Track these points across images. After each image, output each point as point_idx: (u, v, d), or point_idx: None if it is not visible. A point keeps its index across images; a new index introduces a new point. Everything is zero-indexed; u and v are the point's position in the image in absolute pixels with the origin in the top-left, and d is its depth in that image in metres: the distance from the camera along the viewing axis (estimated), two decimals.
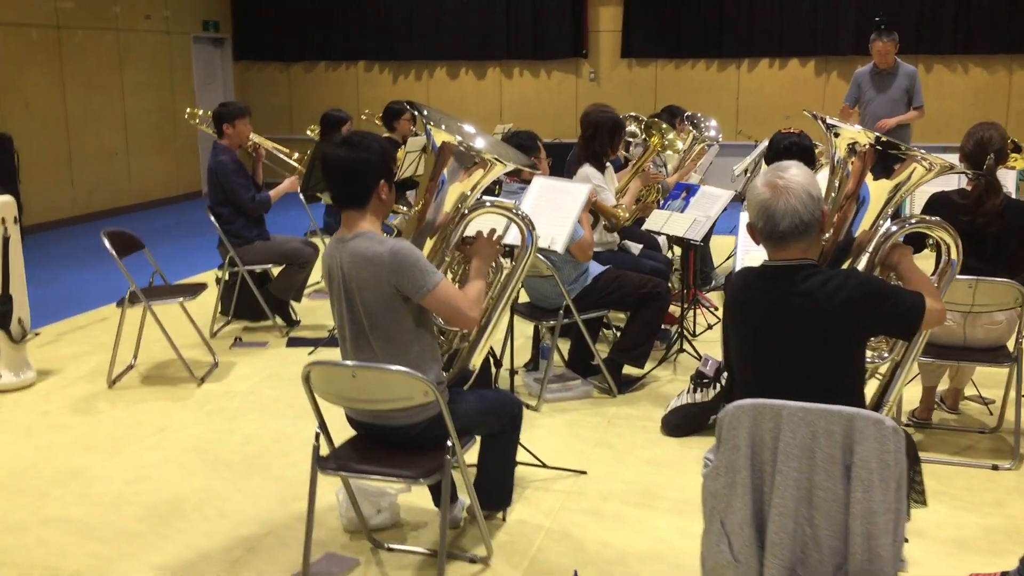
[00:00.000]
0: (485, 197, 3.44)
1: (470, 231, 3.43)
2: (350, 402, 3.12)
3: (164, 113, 12.22)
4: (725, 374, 4.44)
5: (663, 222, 5.25)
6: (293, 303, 6.48)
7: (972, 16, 11.10)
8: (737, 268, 3.82)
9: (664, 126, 5.86)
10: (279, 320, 6.36)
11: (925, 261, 3.11)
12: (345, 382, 3.00)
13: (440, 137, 3.27)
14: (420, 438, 3.13)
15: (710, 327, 6.18)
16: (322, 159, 3.09)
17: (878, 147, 2.81)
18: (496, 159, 3.29)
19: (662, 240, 6.27)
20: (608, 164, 5.77)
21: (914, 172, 2.80)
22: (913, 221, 2.90)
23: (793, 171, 2.61)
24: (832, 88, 11.79)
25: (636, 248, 5.82)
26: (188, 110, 7.32)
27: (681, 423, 4.50)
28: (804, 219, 2.57)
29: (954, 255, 2.92)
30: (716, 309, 6.71)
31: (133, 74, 11.65)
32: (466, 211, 3.34)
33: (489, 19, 12.50)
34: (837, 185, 2.88)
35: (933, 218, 2.92)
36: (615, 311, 5.27)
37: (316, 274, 6.50)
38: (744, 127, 11.86)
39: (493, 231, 3.37)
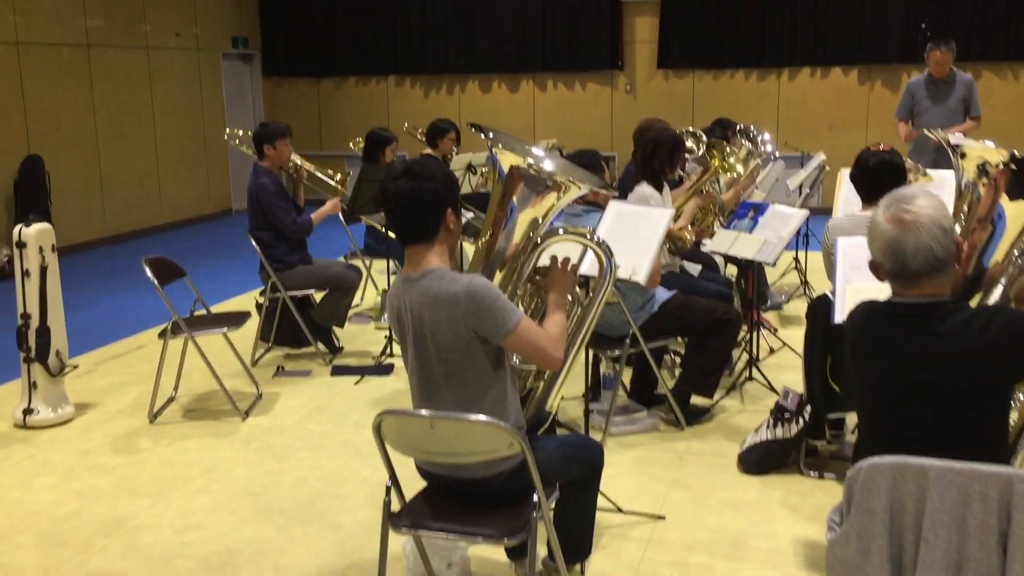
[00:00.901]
0: (558, 224, 3.18)
1: (542, 260, 3.18)
2: (427, 455, 2.85)
3: (194, 132, 12.06)
4: (808, 408, 4.15)
5: (730, 243, 4.97)
6: (336, 329, 6.24)
7: (1021, 23, 10.76)
8: (838, 301, 3.53)
9: (727, 148, 5.58)
10: (322, 347, 6.12)
11: None
12: (422, 433, 2.74)
13: (508, 160, 3.01)
14: (501, 491, 2.87)
15: (772, 351, 5.89)
16: (382, 193, 2.83)
17: (1013, 166, 2.53)
18: (570, 181, 3.03)
19: (718, 259, 5.99)
20: (665, 183, 5.51)
21: None
22: None
23: (920, 201, 2.33)
24: (876, 97, 11.47)
25: (695, 269, 5.54)
26: (228, 130, 7.11)
27: (761, 461, 4.21)
28: (938, 256, 2.31)
29: None
30: (776, 331, 6.41)
31: (163, 93, 11.49)
32: (539, 239, 3.08)
33: (523, 31, 12.26)
34: (966, 210, 2.60)
35: None
36: (682, 338, 4.98)
37: (359, 296, 6.27)
38: (787, 138, 11.54)
39: (567, 260, 3.10)
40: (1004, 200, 2.54)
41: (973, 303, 2.69)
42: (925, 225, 2.29)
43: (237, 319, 5.23)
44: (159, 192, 11.54)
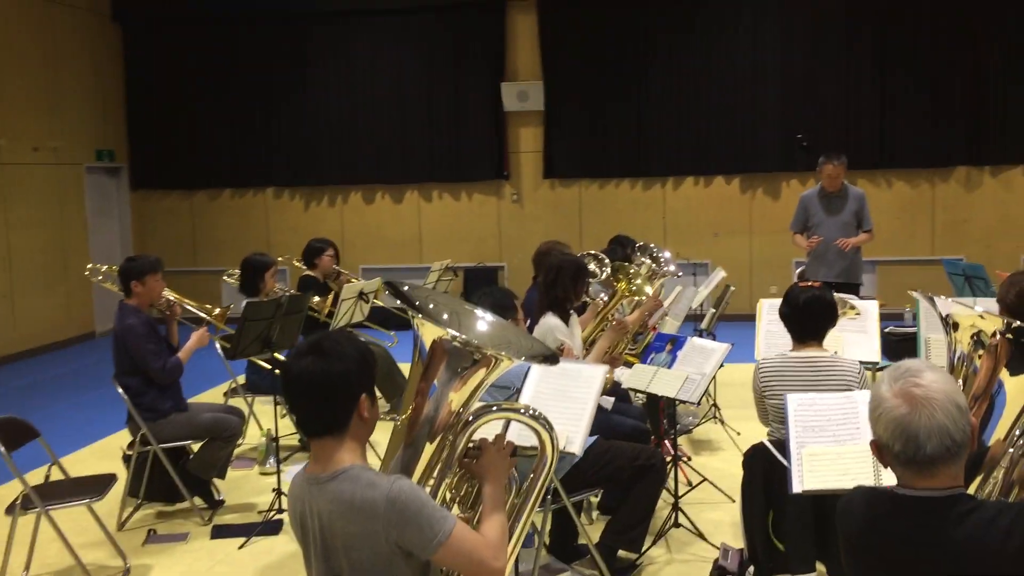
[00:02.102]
0: (491, 402, 2.76)
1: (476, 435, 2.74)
2: None
3: (54, 250, 11.22)
4: (751, 569, 3.80)
5: (648, 380, 4.66)
6: (215, 480, 5.60)
7: (893, 131, 11.16)
8: (795, 468, 3.21)
9: (632, 270, 5.33)
10: (199, 502, 5.47)
11: None
12: None
13: (429, 333, 2.59)
14: None
15: (691, 485, 5.55)
16: (284, 374, 2.39)
17: (1010, 336, 2.27)
18: (502, 355, 2.59)
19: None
20: (572, 313, 5.21)
21: None
22: None
23: (929, 375, 2.01)
24: (758, 205, 11.64)
25: (608, 402, 5.20)
26: (90, 266, 6.47)
27: None
28: (956, 439, 1.97)
29: None
30: (689, 459, 6.10)
31: (19, 209, 10.67)
32: (470, 418, 2.65)
33: (407, 141, 12.02)
34: (962, 383, 2.32)
35: None
36: (606, 489, 4.59)
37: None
38: (673, 245, 11.54)
39: (500, 439, 2.69)
40: (1004, 374, 2.28)
41: (972, 487, 2.38)
42: (940, 402, 1.97)
43: (100, 486, 4.57)
44: (13, 315, 10.60)
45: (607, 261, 6.10)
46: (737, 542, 4.61)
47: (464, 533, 2.33)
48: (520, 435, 3.06)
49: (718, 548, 4.48)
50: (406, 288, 2.70)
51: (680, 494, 5.11)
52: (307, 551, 2.43)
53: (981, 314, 2.33)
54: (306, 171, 12.27)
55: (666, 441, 5.73)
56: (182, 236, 12.68)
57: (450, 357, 2.51)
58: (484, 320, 2.72)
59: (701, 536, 4.75)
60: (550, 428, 2.69)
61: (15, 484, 4.36)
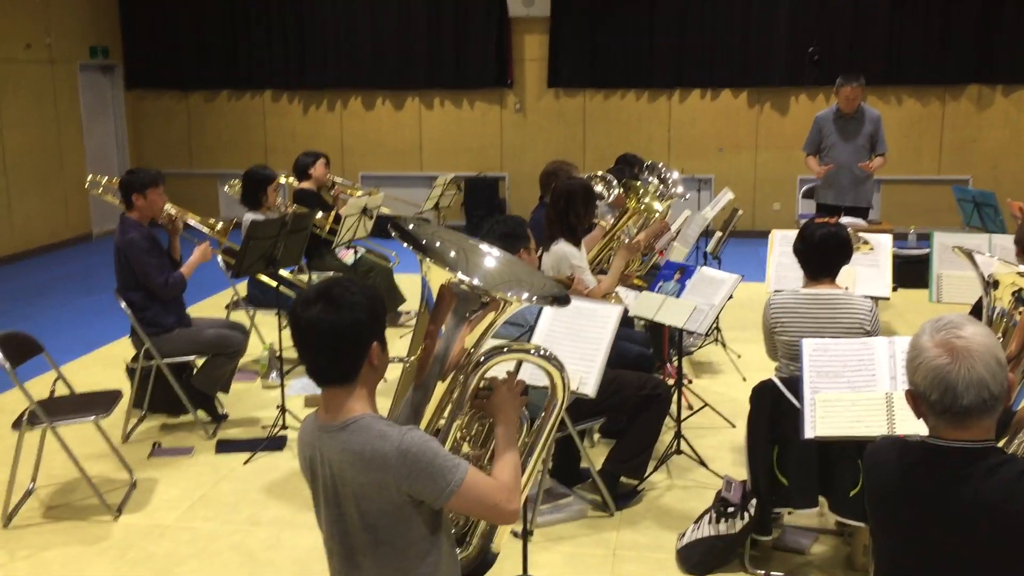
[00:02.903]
0: (501, 340, 2.73)
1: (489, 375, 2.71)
2: None
3: (49, 151, 11.04)
4: (754, 501, 3.84)
5: (656, 308, 4.62)
6: (219, 394, 5.63)
7: (904, 47, 10.92)
8: (807, 413, 3.20)
9: (641, 188, 5.25)
10: (203, 415, 5.50)
11: None
12: None
13: (436, 276, 2.53)
14: None
15: (692, 409, 5.58)
16: (293, 323, 2.32)
17: None
18: (511, 298, 2.54)
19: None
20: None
21: None
22: None
23: (970, 329, 2.00)
24: (765, 119, 11.46)
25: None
26: (89, 177, 6.34)
27: (704, 560, 3.87)
28: (993, 392, 1.97)
29: None
30: (691, 382, 6.14)
31: (13, 108, 10.46)
32: (482, 359, 2.61)
33: (408, 45, 11.72)
34: (1001, 339, 2.29)
35: None
36: (610, 417, 4.61)
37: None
38: (677, 159, 11.42)
39: (512, 378, 2.66)
40: None
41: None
42: (980, 355, 1.97)
43: (107, 402, 4.56)
44: (9, 216, 10.50)
45: (614, 182, 6.02)
46: (737, 468, 4.67)
47: (476, 479, 2.32)
48: (532, 375, 3.04)
49: (718, 475, 4.53)
50: (411, 227, 2.63)
51: (682, 418, 5.14)
52: (316, 496, 2.43)
53: (1023, 271, 2.29)
54: (305, 74, 12.01)
55: (669, 365, 5.75)
56: (178, 138, 12.48)
57: (458, 301, 2.46)
58: (492, 257, 2.65)
59: (702, 463, 4.80)
60: (561, 368, 2.65)
61: (18, 392, 4.35)
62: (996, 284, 2.29)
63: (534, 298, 2.60)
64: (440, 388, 2.60)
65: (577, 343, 3.50)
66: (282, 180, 8.02)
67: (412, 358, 2.62)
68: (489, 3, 11.47)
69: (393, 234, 2.62)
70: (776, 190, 11.47)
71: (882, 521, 2.19)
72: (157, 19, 12.11)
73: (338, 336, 2.27)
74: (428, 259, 2.49)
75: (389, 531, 2.30)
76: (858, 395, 3.07)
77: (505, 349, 2.64)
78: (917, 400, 2.06)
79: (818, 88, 11.04)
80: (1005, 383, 2.00)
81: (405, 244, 2.58)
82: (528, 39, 11.67)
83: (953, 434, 2.03)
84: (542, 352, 2.68)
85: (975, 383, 1.96)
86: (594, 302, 3.78)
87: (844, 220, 7.34)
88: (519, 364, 2.75)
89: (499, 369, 2.66)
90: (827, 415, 3.09)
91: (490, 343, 2.64)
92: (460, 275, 2.45)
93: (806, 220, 3.99)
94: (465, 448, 2.71)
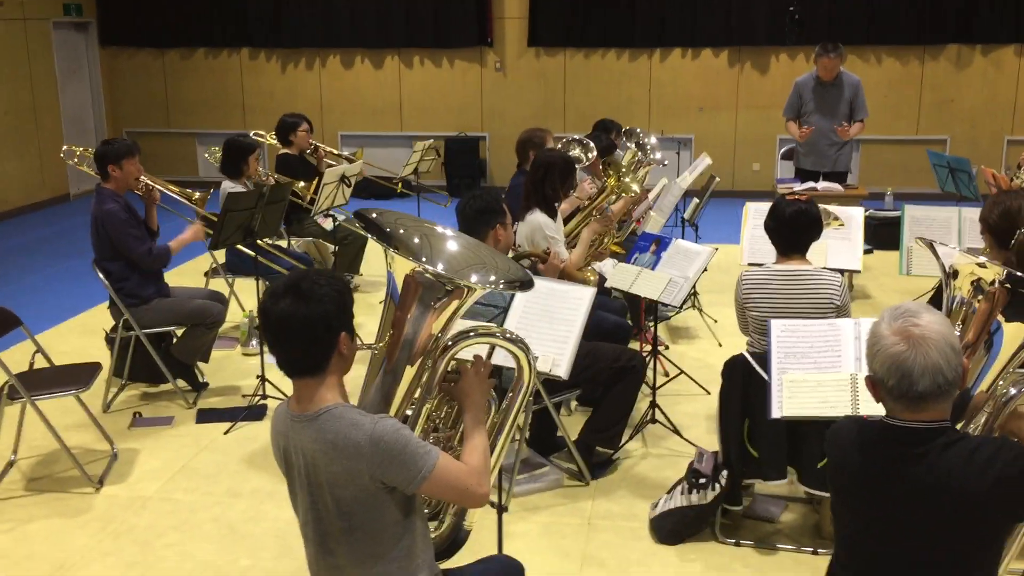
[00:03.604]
0: (468, 324, 2.77)
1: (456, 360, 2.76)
2: None
3: (23, 109, 10.90)
4: (725, 472, 3.93)
5: (631, 280, 4.67)
6: (199, 363, 5.66)
7: (884, 6, 10.89)
8: (774, 393, 3.27)
9: (623, 165, 5.27)
10: (183, 384, 5.54)
11: None
12: None
13: (401, 266, 2.56)
14: None
15: (667, 376, 5.66)
16: (263, 315, 2.37)
17: (1007, 285, 2.29)
18: (475, 285, 2.57)
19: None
20: (556, 205, 5.18)
21: None
22: None
23: (927, 316, 2.10)
24: (746, 79, 11.44)
25: None
26: (64, 147, 6.29)
27: (676, 529, 3.97)
28: (948, 377, 2.07)
29: None
30: (667, 347, 6.22)
31: None
32: (449, 343, 2.65)
33: (387, 3, 11.59)
34: (960, 326, 2.37)
35: None
36: (586, 389, 4.67)
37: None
38: (657, 119, 11.41)
39: (480, 360, 2.70)
40: (1000, 318, 2.32)
41: None
42: (935, 342, 2.07)
43: (87, 375, 4.58)
44: None
45: (592, 146, 6.03)
46: (711, 436, 4.76)
47: (447, 465, 2.38)
48: (505, 356, 3.08)
49: (692, 444, 4.62)
50: (374, 216, 2.66)
51: (658, 386, 5.22)
52: (292, 484, 2.49)
53: (982, 263, 2.35)
54: (283, 32, 11.86)
55: (646, 333, 5.82)
56: (154, 96, 12.34)
57: (423, 289, 2.51)
58: (455, 241, 2.69)
59: (677, 432, 4.88)
60: (527, 350, 2.70)
61: None
62: (956, 274, 2.35)
63: (500, 284, 2.64)
64: (409, 373, 2.65)
65: (550, 324, 3.55)
66: (263, 141, 8.01)
67: (380, 345, 2.67)
68: None
69: (358, 225, 2.65)
70: (756, 150, 11.49)
71: (842, 498, 2.28)
72: None
73: (308, 328, 2.31)
74: (392, 249, 2.52)
75: (363, 517, 2.36)
76: (824, 376, 3.14)
77: (472, 333, 2.68)
78: (876, 386, 2.15)
79: (798, 48, 11.02)
80: (960, 368, 2.09)
81: (369, 235, 2.61)
82: None
83: (910, 416, 2.12)
84: (508, 335, 2.73)
85: (930, 369, 2.05)
86: (567, 284, 3.83)
87: (821, 185, 7.40)
88: (491, 349, 2.80)
89: (469, 352, 2.71)
90: (793, 395, 3.17)
91: (459, 325, 2.69)
92: (424, 264, 2.48)
93: (781, 187, 4.03)
94: (436, 433, 2.77)
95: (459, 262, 2.63)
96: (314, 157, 7.42)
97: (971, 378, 2.41)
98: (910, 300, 2.14)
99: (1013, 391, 2.37)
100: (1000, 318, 2.32)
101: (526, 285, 2.71)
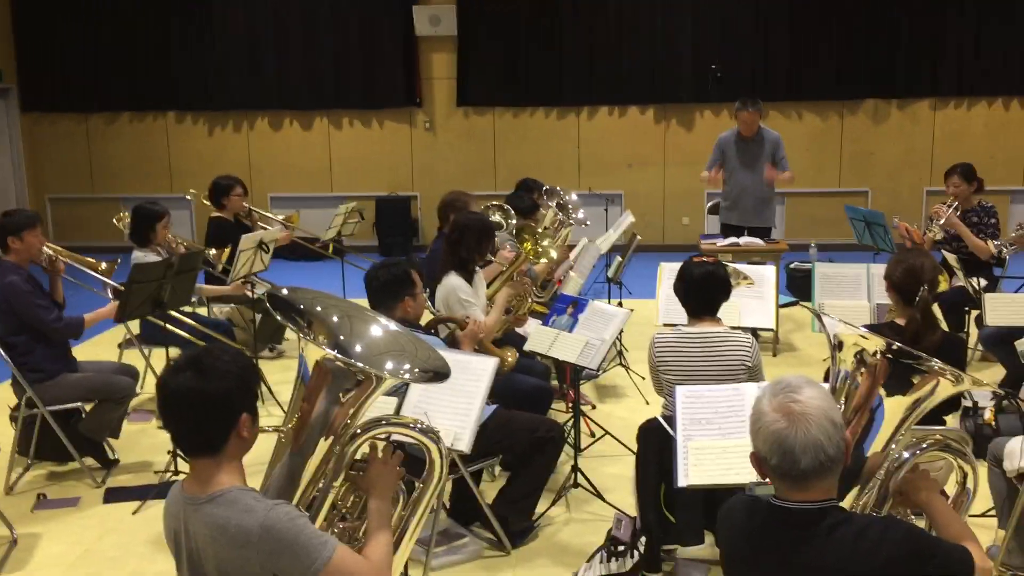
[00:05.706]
0: (380, 413, 2.69)
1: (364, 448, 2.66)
2: None
3: None
4: (643, 539, 3.86)
5: (549, 343, 4.63)
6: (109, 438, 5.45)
7: (804, 64, 11.19)
8: (680, 461, 3.23)
9: (539, 230, 5.26)
10: (91, 462, 5.32)
11: None
12: None
13: (312, 354, 2.48)
14: None
15: (593, 436, 5.59)
16: (159, 389, 2.27)
17: (889, 355, 2.29)
18: (386, 376, 2.48)
19: None
20: (477, 269, 5.15)
21: (938, 386, 2.29)
22: (925, 446, 2.39)
23: (807, 392, 2.07)
24: (672, 135, 11.62)
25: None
26: None
27: None
28: (829, 453, 2.04)
29: (970, 483, 2.43)
30: (594, 407, 6.16)
31: None
32: (358, 430, 2.56)
33: (314, 65, 11.59)
34: (843, 401, 2.35)
35: (952, 440, 2.42)
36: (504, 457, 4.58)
37: (138, 386, 5.52)
38: (587, 176, 11.52)
39: (388, 447, 2.61)
40: (881, 393, 2.31)
41: (850, 496, 2.42)
42: (815, 418, 2.03)
43: None
44: None
45: (512, 212, 6.02)
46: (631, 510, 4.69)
47: (345, 557, 2.28)
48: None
49: (615, 507, 4.55)
50: (285, 292, 2.58)
51: (582, 447, 5.15)
52: (180, 569, 2.37)
53: (864, 334, 2.35)
54: (209, 95, 11.78)
55: (571, 392, 5.76)
56: (78, 162, 12.13)
57: (333, 378, 2.42)
58: (377, 324, 2.62)
59: (600, 496, 4.81)
60: (438, 441, 2.63)
61: None
62: (840, 345, 2.35)
63: (415, 373, 2.56)
64: (316, 457, 2.55)
65: (452, 397, 3.47)
66: (189, 198, 7.85)
67: (288, 427, 2.57)
68: (395, 22, 11.42)
69: (269, 306, 2.56)
70: (684, 204, 11.63)
71: (732, 572, 2.23)
72: (54, 39, 11.75)
73: (205, 405, 2.22)
74: (303, 336, 2.44)
75: None
76: (729, 442, 3.11)
77: (383, 422, 2.60)
78: (761, 463, 2.11)
79: (722, 104, 11.23)
80: (841, 444, 2.06)
81: (281, 318, 2.53)
82: (436, 58, 11.64)
83: (796, 495, 2.08)
84: (420, 426, 2.65)
85: (811, 446, 2.02)
86: (470, 354, 3.76)
87: (743, 240, 7.48)
88: (390, 436, 2.70)
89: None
90: (699, 463, 3.13)
91: (367, 416, 2.60)
92: (336, 353, 2.40)
93: (705, 243, 4.03)
94: (344, 523, 2.66)
95: (378, 346, 2.55)
96: (249, 220, 7.30)
97: (860, 444, 2.39)
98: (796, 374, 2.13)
99: (906, 455, 2.36)
100: (881, 392, 2.31)
101: (441, 377, 2.63)
